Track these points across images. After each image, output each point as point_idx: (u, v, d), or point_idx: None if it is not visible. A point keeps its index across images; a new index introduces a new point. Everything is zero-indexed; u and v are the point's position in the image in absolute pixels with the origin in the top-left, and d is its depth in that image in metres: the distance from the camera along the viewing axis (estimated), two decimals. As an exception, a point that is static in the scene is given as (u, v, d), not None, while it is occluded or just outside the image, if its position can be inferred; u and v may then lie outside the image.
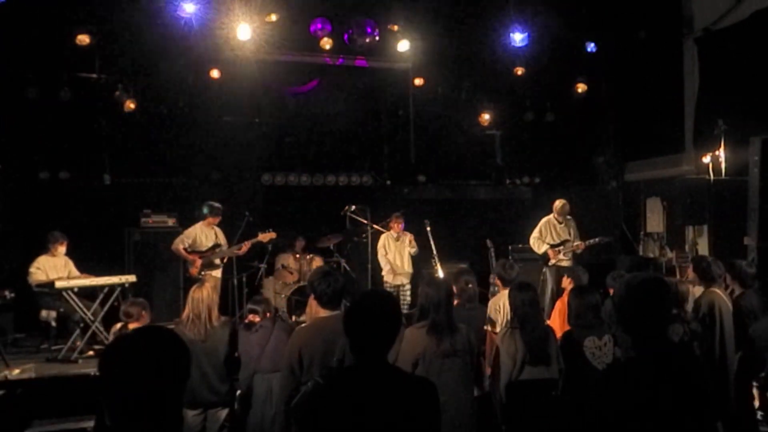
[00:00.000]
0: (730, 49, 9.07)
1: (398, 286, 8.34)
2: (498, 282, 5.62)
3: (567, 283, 5.92)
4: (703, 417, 2.45)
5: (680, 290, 4.71)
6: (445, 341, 3.76)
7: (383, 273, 8.45)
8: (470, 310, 4.91)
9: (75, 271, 7.46)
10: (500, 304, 5.05)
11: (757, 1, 8.51)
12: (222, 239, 7.85)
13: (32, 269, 7.23)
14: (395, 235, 8.47)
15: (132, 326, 4.91)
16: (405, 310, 7.86)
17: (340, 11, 9.45)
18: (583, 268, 6.27)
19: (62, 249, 7.44)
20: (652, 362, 2.40)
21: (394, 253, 8.41)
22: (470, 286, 4.94)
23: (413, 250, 8.43)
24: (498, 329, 4.78)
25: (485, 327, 4.97)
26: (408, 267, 8.46)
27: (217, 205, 7.78)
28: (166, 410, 1.73)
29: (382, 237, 8.55)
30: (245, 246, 7.79)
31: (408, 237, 8.47)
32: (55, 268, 7.33)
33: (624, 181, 11.50)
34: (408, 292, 8.37)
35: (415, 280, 8.54)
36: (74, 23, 8.21)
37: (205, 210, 7.73)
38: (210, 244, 7.76)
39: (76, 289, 6.92)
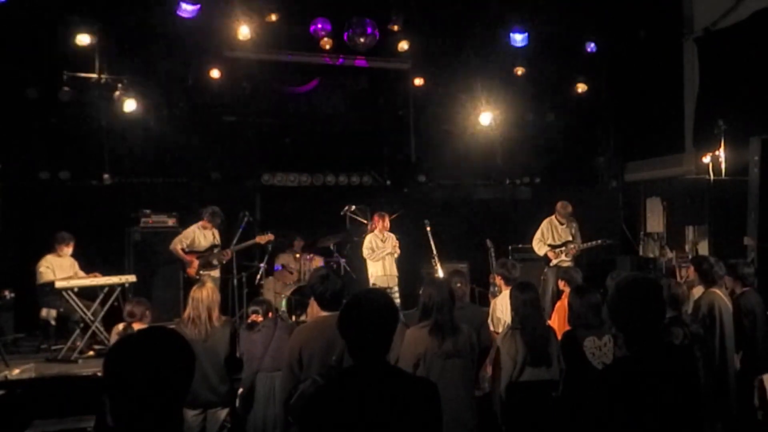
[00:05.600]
0: (730, 49, 9.07)
1: (386, 289, 8.24)
2: (500, 282, 5.61)
3: (562, 285, 5.90)
4: (697, 418, 2.45)
5: (677, 293, 4.68)
6: (447, 342, 3.76)
7: (371, 277, 8.32)
8: (461, 309, 4.90)
9: (81, 273, 7.41)
10: (504, 304, 5.04)
11: (757, 1, 8.51)
12: (217, 241, 7.88)
13: (41, 268, 7.19)
14: (380, 235, 8.39)
15: (135, 326, 4.90)
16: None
17: (340, 11, 9.45)
18: (576, 268, 6.26)
19: (68, 250, 7.40)
20: (645, 362, 2.40)
21: (382, 255, 8.28)
22: (459, 285, 4.95)
23: (397, 254, 8.34)
24: (501, 329, 4.78)
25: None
26: (393, 269, 8.33)
27: (218, 212, 7.78)
28: (168, 411, 1.73)
29: (368, 238, 8.39)
30: (227, 254, 7.83)
31: (393, 237, 8.38)
32: (62, 267, 7.30)
33: (624, 181, 11.51)
34: (397, 294, 8.24)
35: (410, 281, 8.52)
36: (74, 23, 8.20)
37: (204, 213, 7.76)
38: (208, 245, 7.78)
39: (76, 289, 6.90)
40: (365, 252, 8.36)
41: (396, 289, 8.29)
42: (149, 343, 1.77)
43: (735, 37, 8.96)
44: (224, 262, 7.93)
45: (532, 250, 8.47)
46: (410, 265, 8.85)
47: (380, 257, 8.30)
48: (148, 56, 8.89)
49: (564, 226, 8.26)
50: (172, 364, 1.74)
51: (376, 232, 8.38)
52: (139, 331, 1.87)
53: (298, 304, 8.40)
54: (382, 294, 2.62)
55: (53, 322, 7.35)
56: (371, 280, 8.29)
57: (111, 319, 6.57)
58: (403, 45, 9.55)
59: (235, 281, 8.13)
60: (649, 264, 10.04)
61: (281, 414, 3.45)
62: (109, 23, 8.42)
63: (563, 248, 8.16)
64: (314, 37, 9.38)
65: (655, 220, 10.87)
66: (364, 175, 10.63)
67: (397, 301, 8.22)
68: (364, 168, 10.66)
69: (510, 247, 9.58)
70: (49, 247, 7.37)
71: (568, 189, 10.20)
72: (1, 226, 8.14)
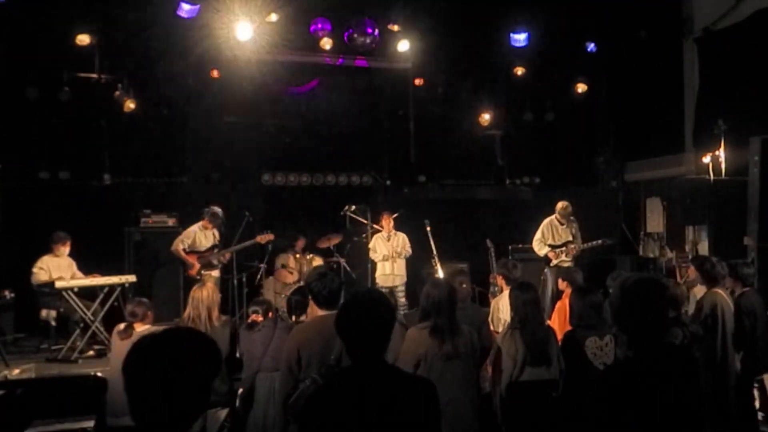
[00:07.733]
0: (730, 49, 9.07)
1: (391, 288, 8.30)
2: (501, 282, 5.61)
3: (563, 285, 5.90)
4: (697, 418, 2.45)
5: (676, 293, 4.68)
6: (448, 343, 3.74)
7: (376, 275, 8.43)
8: (462, 309, 4.90)
9: (79, 273, 7.41)
10: (504, 304, 5.03)
11: (757, 1, 8.51)
12: (218, 241, 7.88)
13: (35, 269, 7.19)
14: (386, 235, 8.44)
15: (137, 326, 4.90)
16: (402, 311, 7.83)
17: (340, 11, 9.44)
18: (576, 268, 6.26)
19: (65, 249, 7.39)
20: (648, 362, 2.40)
21: (385, 255, 8.34)
22: (464, 286, 4.94)
23: (405, 253, 8.37)
24: (501, 329, 4.77)
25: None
26: (399, 269, 8.39)
27: (219, 213, 7.79)
28: (190, 412, 1.71)
29: (373, 237, 8.53)
30: (227, 254, 7.86)
31: (400, 237, 8.41)
32: (59, 268, 7.29)
33: (624, 181, 11.50)
34: (402, 294, 8.31)
35: (410, 281, 8.55)
36: (74, 23, 8.20)
37: (205, 214, 7.77)
38: (209, 245, 7.79)
39: (76, 289, 6.91)
40: (370, 252, 8.47)
41: (401, 288, 8.38)
42: (177, 344, 1.73)
43: (735, 37, 8.96)
44: (224, 262, 7.93)
45: (532, 250, 8.47)
46: (410, 265, 8.85)
47: (381, 259, 8.34)
48: (148, 56, 8.89)
49: (564, 226, 8.26)
50: (201, 365, 1.71)
51: (382, 232, 8.44)
52: (164, 330, 1.82)
53: (298, 304, 8.39)
54: (379, 293, 2.62)
55: (53, 323, 7.34)
56: (376, 280, 8.36)
57: (111, 319, 6.57)
58: (403, 45, 9.55)
59: (235, 281, 8.14)
60: (649, 264, 10.03)
61: (280, 414, 3.44)
62: (109, 23, 8.42)
63: (563, 248, 8.15)
64: (314, 37, 9.37)
65: (655, 220, 10.87)
66: (364, 175, 10.64)
67: (402, 301, 8.29)
68: (364, 168, 10.67)
69: (510, 247, 9.58)
70: (47, 248, 7.37)
71: (568, 189, 10.18)
72: (1, 226, 8.13)
